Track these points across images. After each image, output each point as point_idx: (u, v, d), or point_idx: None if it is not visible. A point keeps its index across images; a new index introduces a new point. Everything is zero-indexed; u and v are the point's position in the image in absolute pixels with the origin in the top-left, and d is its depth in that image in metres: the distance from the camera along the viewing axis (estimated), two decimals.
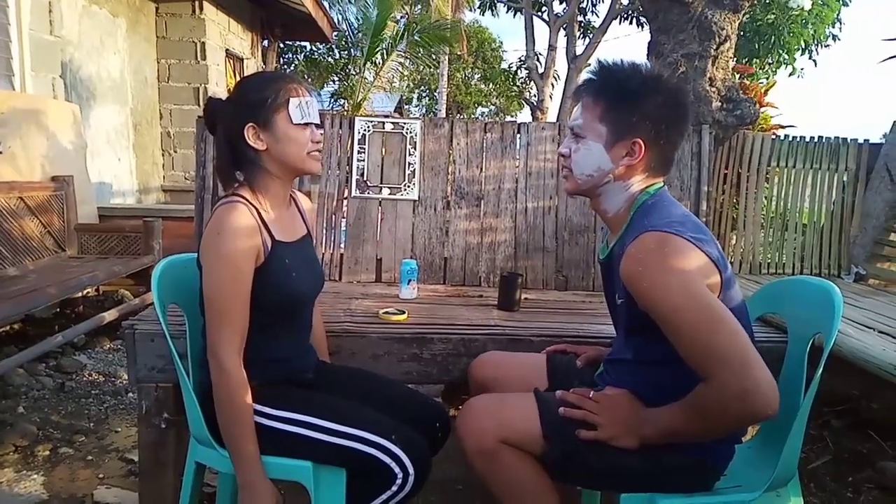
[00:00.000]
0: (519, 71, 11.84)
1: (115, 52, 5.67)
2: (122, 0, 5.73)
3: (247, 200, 1.33)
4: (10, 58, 4.02)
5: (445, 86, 17.63)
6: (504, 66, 18.46)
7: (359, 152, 2.56)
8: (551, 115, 10.78)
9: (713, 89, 2.81)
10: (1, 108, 3.54)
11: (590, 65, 9.74)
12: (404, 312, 1.97)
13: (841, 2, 6.01)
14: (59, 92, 4.41)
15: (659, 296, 1.15)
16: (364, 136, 2.57)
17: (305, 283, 1.45)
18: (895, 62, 3.44)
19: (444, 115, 16.82)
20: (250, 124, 1.33)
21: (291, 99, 1.34)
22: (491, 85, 20.30)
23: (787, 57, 5.22)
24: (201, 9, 6.35)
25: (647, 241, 1.19)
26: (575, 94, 1.39)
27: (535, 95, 11.01)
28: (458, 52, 15.62)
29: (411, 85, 21.78)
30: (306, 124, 1.37)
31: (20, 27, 4.03)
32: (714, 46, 2.75)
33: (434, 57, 13.27)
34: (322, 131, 1.45)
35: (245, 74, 7.78)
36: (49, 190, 3.81)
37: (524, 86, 13.65)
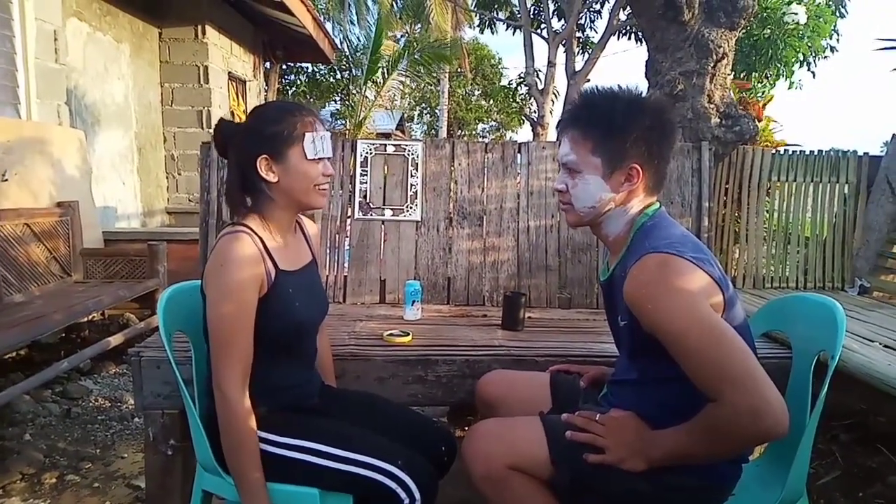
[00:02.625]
0: (519, 87, 11.90)
1: (120, 78, 5.73)
2: (126, 26, 5.81)
3: (251, 230, 1.35)
4: (17, 86, 4.07)
5: (446, 103, 17.77)
6: (504, 82, 18.58)
7: (361, 174, 2.58)
8: (551, 131, 10.80)
9: (712, 106, 2.83)
10: (7, 137, 3.58)
11: (589, 80, 9.75)
12: (409, 334, 1.98)
13: (837, 14, 6.06)
14: (65, 118, 4.45)
15: (663, 317, 1.16)
16: (366, 158, 2.59)
17: (308, 312, 1.45)
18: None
19: (445, 132, 16.94)
20: (264, 156, 1.34)
21: (307, 134, 1.36)
22: (491, 101, 20.42)
23: (784, 70, 5.27)
24: (204, 33, 6.43)
25: (648, 263, 1.20)
26: (559, 128, 1.40)
27: (535, 111, 11.05)
28: (460, 69, 15.76)
29: (412, 103, 21.93)
30: (319, 159, 1.38)
31: (26, 56, 4.09)
32: (711, 64, 2.77)
33: (434, 75, 13.39)
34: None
35: (248, 97, 7.86)
36: (55, 216, 3.83)
37: (524, 102, 13.73)
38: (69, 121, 4.56)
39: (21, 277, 3.41)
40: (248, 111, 1.47)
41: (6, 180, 3.52)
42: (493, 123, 22.33)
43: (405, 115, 21.12)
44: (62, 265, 3.83)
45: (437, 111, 19.64)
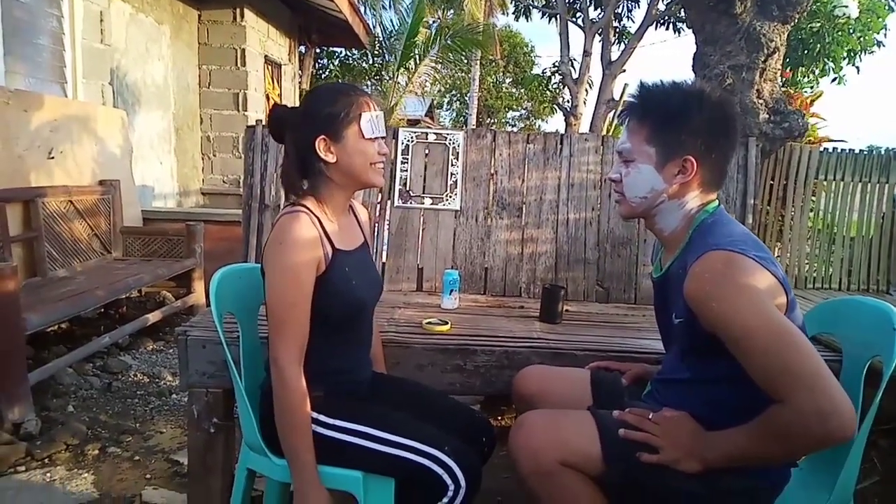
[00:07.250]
0: (553, 76, 11.78)
1: (160, 59, 5.81)
2: (167, 8, 5.88)
3: (309, 210, 1.37)
4: (64, 66, 4.16)
5: (476, 90, 17.65)
6: (536, 70, 18.38)
7: (402, 162, 2.59)
8: (585, 121, 10.70)
9: (761, 101, 2.76)
10: (54, 115, 3.67)
11: (625, 70, 9.59)
12: (447, 323, 1.98)
13: (888, 8, 5.85)
14: (108, 98, 4.54)
15: (728, 316, 1.13)
16: (407, 146, 2.59)
17: (365, 290, 1.47)
18: None
19: (474, 119, 16.84)
20: (322, 137, 1.36)
21: (363, 114, 1.37)
22: (522, 89, 20.25)
23: (832, 65, 5.11)
24: (242, 16, 6.48)
25: (712, 261, 1.17)
26: (619, 119, 1.39)
27: (568, 101, 10.94)
28: (492, 57, 15.62)
29: (442, 90, 21.84)
30: (375, 138, 1.40)
31: (73, 36, 4.17)
32: (762, 58, 2.70)
33: (466, 61, 13.28)
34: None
35: (283, 80, 7.90)
36: (97, 193, 3.92)
37: (557, 91, 13.58)
38: (112, 101, 4.65)
39: (64, 253, 3.51)
40: (305, 94, 1.48)
41: (52, 158, 3.61)
42: (523, 111, 22.16)
43: (434, 102, 21.04)
44: (103, 242, 3.93)
45: (466, 98, 19.51)
